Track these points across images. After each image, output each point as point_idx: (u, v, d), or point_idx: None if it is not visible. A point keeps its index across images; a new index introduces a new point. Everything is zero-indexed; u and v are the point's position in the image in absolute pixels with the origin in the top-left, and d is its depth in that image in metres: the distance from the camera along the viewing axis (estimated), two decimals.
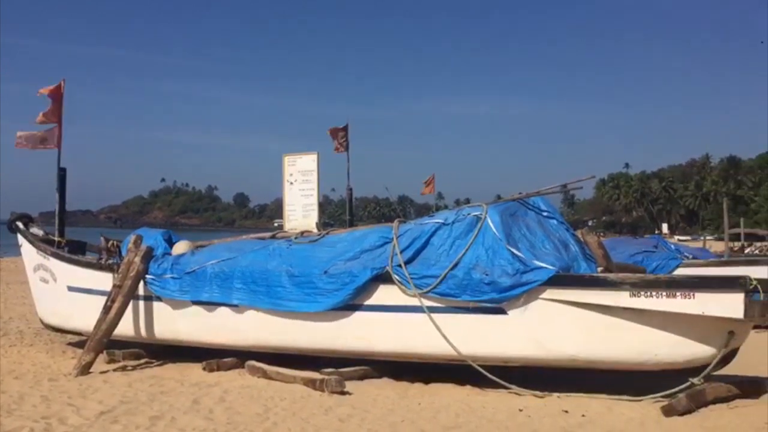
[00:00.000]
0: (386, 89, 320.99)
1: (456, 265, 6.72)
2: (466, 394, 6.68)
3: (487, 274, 6.52)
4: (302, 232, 8.64)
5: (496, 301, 6.48)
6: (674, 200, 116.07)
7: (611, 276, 6.37)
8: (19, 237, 9.75)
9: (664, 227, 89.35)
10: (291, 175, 10.34)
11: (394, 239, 7.20)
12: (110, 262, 8.63)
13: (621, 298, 6.16)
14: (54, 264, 9.20)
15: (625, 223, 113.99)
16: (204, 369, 7.68)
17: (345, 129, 13.35)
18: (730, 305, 5.82)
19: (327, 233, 8.18)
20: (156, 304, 8.27)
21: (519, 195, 7.50)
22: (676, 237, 72.66)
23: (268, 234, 9.01)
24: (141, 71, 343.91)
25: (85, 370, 7.59)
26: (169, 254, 8.45)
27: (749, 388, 6.43)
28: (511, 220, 6.94)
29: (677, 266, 14.72)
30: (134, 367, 8.03)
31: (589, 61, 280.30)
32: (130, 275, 8.05)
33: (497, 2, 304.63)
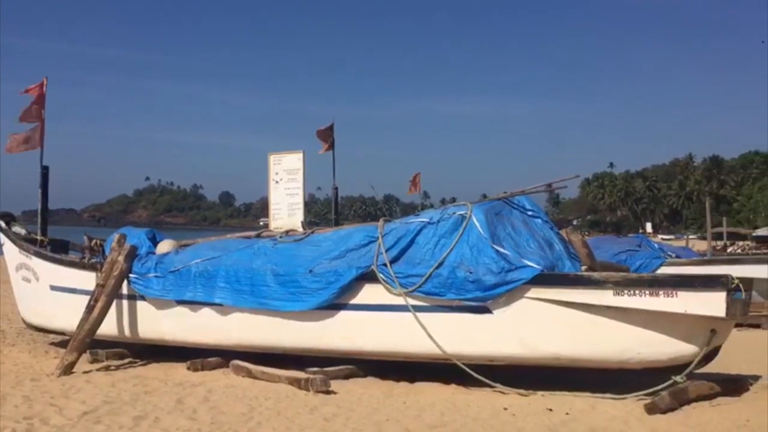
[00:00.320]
0: (386, 89, 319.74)
1: (441, 263, 6.72)
2: (451, 392, 6.69)
3: (471, 273, 6.53)
4: (287, 231, 8.61)
5: (480, 299, 6.49)
6: (658, 199, 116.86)
7: (595, 275, 6.40)
8: (1, 236, 9.64)
9: (648, 226, 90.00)
10: (276, 173, 10.27)
11: (380, 238, 7.20)
12: (93, 261, 8.56)
13: (605, 297, 6.19)
14: (36, 263, 9.12)
15: (610, 222, 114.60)
16: (188, 368, 7.64)
17: (331, 128, 13.34)
18: (713, 304, 5.86)
19: (312, 232, 8.16)
20: (140, 304, 8.21)
21: (504, 194, 7.53)
22: (660, 236, 73.18)
23: (253, 233, 8.96)
24: (124, 69, 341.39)
25: (68, 370, 7.53)
26: (153, 253, 8.39)
27: (731, 386, 6.50)
28: (496, 219, 6.96)
29: (660, 265, 14.89)
30: (118, 367, 7.97)
31: (576, 60, 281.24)
32: (113, 274, 8.00)
33: (497, 2, 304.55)
